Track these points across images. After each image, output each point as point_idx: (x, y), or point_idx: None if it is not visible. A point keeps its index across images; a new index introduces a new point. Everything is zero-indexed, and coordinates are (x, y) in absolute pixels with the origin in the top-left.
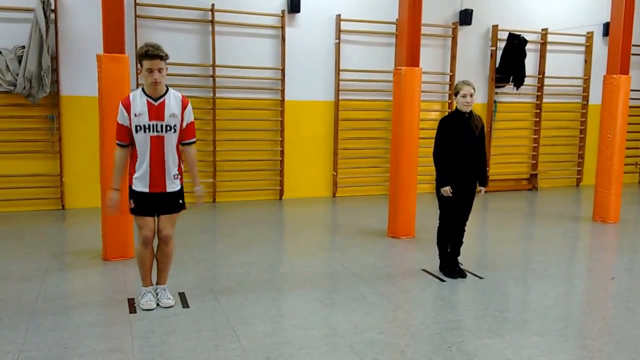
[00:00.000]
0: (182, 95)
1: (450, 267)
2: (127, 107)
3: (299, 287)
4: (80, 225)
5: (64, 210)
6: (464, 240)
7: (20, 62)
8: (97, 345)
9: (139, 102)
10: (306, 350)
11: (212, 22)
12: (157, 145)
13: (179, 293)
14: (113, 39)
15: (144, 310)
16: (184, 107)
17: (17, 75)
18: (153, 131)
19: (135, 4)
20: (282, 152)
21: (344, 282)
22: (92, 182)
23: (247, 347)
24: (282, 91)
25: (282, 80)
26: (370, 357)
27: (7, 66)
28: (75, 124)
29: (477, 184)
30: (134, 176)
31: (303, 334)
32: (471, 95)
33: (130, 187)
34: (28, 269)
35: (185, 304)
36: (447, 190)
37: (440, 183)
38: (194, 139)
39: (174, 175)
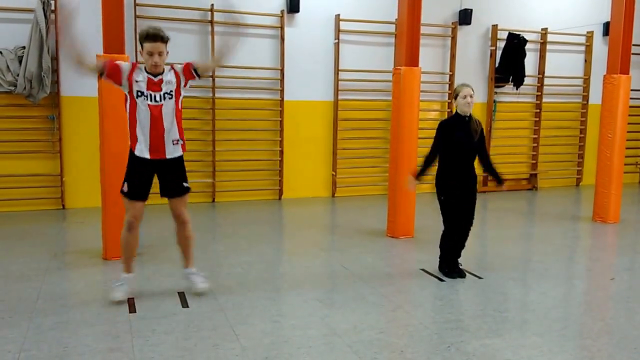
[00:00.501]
0: (171, 65)
1: (450, 267)
2: (133, 68)
3: (298, 287)
4: (80, 224)
5: (64, 210)
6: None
7: (20, 62)
8: (97, 344)
9: (141, 72)
10: (305, 350)
11: (212, 22)
12: (156, 113)
13: (179, 292)
14: (113, 40)
15: (112, 300)
16: (174, 70)
17: (18, 75)
18: (151, 100)
19: (135, 5)
20: (282, 152)
21: (343, 282)
22: (92, 181)
23: (246, 346)
24: (282, 91)
25: (282, 80)
26: (369, 357)
27: (8, 66)
28: (75, 124)
29: (497, 184)
30: (136, 143)
31: (302, 333)
32: (471, 96)
33: (131, 151)
34: (29, 269)
35: (184, 303)
36: (410, 181)
37: (417, 174)
38: (191, 64)
39: (174, 141)
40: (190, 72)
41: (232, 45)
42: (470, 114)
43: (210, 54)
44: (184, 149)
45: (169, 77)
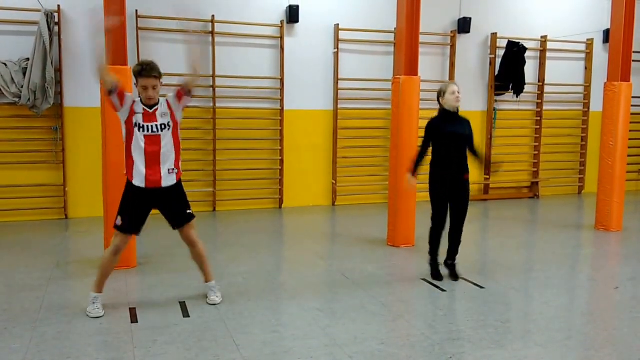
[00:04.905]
0: (165, 97)
1: (436, 268)
2: (134, 102)
3: (299, 296)
4: (83, 234)
5: (67, 220)
6: (461, 239)
7: (24, 74)
8: (99, 354)
9: (138, 105)
10: None
11: (212, 33)
12: (152, 144)
13: (180, 302)
14: (115, 52)
15: (92, 318)
16: (168, 102)
17: (22, 87)
18: (148, 131)
19: (137, 17)
20: (282, 161)
21: (344, 291)
22: (94, 192)
23: (247, 356)
24: (282, 100)
25: (281, 89)
26: None
27: (12, 78)
28: (78, 135)
29: (490, 170)
30: (132, 172)
31: (302, 343)
32: (459, 92)
33: (128, 181)
34: (32, 278)
35: (185, 313)
36: (409, 179)
37: (412, 170)
38: (181, 89)
39: (169, 170)
40: (181, 93)
41: (197, 55)
42: (458, 109)
43: (211, 65)
44: (178, 178)
45: (163, 108)
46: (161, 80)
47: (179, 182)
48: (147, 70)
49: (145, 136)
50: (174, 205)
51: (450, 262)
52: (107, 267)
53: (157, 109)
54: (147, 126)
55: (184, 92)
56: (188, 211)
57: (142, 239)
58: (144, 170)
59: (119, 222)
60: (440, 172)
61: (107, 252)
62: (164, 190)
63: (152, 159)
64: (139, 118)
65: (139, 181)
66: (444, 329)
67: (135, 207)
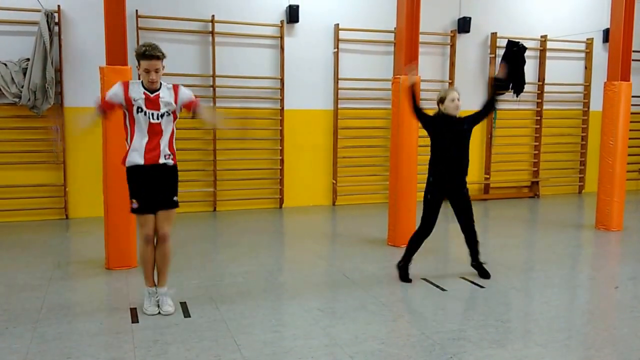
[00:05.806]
0: (173, 84)
1: (406, 271)
2: (126, 88)
3: (299, 296)
4: (83, 234)
5: (67, 220)
6: (479, 239)
7: (25, 74)
8: (100, 354)
9: (137, 89)
10: None
11: (212, 32)
12: (154, 129)
13: (180, 302)
14: (115, 51)
15: (147, 315)
16: (176, 94)
17: (22, 87)
18: (151, 117)
19: (137, 16)
20: (282, 160)
21: (344, 291)
22: (95, 192)
23: (248, 356)
24: (282, 100)
25: (282, 89)
26: None
27: (12, 78)
28: (78, 135)
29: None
30: (129, 151)
31: (303, 343)
32: (459, 99)
33: (127, 166)
34: (32, 278)
35: (186, 313)
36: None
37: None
38: (197, 103)
39: (166, 156)
40: (191, 109)
41: (218, 121)
42: (456, 116)
43: (211, 65)
44: (174, 161)
45: (168, 97)
46: (163, 63)
47: (175, 166)
48: (149, 52)
49: (150, 122)
50: (164, 187)
51: (475, 263)
52: (145, 258)
53: (159, 94)
54: (151, 113)
55: (192, 109)
56: (175, 198)
57: None
58: (143, 150)
59: (134, 205)
60: (439, 175)
61: (140, 245)
62: (160, 168)
63: (153, 142)
64: (140, 103)
65: (136, 159)
66: (444, 328)
67: (141, 184)
